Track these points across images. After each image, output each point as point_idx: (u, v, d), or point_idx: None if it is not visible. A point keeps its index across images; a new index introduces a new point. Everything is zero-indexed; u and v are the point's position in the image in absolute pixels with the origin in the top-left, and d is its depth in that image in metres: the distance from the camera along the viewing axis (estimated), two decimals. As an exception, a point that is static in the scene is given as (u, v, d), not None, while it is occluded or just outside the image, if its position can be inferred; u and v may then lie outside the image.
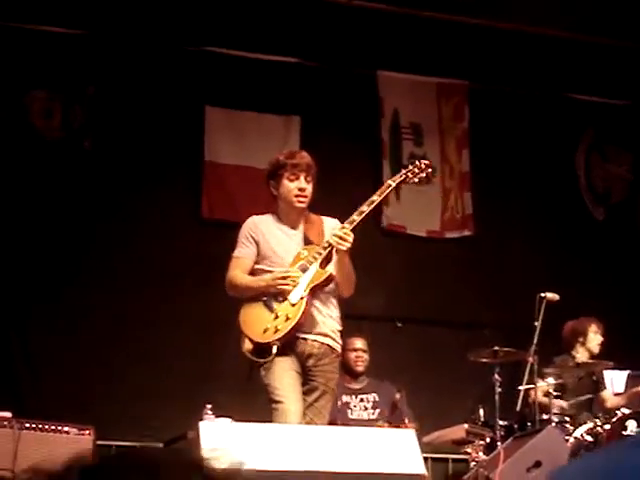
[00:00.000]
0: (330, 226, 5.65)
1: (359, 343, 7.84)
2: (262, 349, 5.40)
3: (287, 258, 5.54)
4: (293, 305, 5.40)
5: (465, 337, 8.73)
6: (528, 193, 9.87)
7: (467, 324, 9.12)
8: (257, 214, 5.81)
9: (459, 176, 9.80)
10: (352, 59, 9.50)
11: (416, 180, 5.81)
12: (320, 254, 5.46)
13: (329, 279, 5.48)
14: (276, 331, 5.39)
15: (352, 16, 9.35)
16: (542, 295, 7.38)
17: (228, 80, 9.12)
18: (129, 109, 8.87)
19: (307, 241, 5.60)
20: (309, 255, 5.49)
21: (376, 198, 5.59)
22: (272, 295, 5.46)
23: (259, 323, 5.45)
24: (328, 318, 5.57)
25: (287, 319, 5.40)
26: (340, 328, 5.64)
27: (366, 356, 7.85)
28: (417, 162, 5.83)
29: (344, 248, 5.38)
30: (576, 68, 10.02)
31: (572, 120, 10.17)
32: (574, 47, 9.93)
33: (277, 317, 5.42)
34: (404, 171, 5.77)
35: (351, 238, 5.39)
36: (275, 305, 5.45)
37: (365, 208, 5.53)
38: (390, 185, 5.68)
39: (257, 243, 5.62)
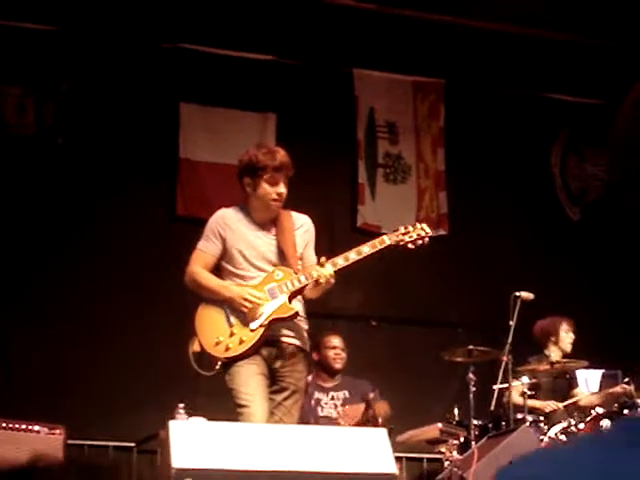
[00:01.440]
0: (300, 225, 5.60)
1: (337, 341, 7.81)
2: (207, 359, 5.37)
3: (255, 262, 5.48)
4: (251, 331, 5.36)
5: (439, 336, 8.71)
6: (503, 192, 9.87)
7: (441, 323, 9.10)
8: (227, 207, 5.74)
9: (434, 175, 9.79)
10: (328, 57, 9.48)
11: (410, 246, 5.59)
12: (294, 285, 5.39)
13: (292, 317, 5.43)
14: (227, 349, 5.37)
15: (328, 14, 9.33)
16: (517, 294, 7.36)
17: (203, 77, 9.09)
18: (103, 106, 8.82)
19: (280, 249, 5.51)
20: (282, 281, 5.41)
21: (366, 250, 5.45)
22: (234, 308, 5.41)
23: (213, 332, 5.41)
24: (302, 321, 5.53)
25: (241, 342, 5.36)
26: (307, 327, 5.60)
27: (344, 354, 7.82)
28: (417, 226, 5.64)
29: (328, 286, 5.37)
30: (552, 67, 10.04)
31: (548, 119, 10.19)
32: (550, 46, 9.94)
33: (232, 335, 5.38)
34: (402, 231, 5.58)
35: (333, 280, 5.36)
36: (234, 321, 5.40)
37: (353, 256, 5.42)
38: (384, 242, 5.50)
39: (224, 240, 5.53)
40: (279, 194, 5.49)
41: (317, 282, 5.36)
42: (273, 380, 5.45)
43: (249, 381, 5.33)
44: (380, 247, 5.47)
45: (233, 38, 9.14)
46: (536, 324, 8.14)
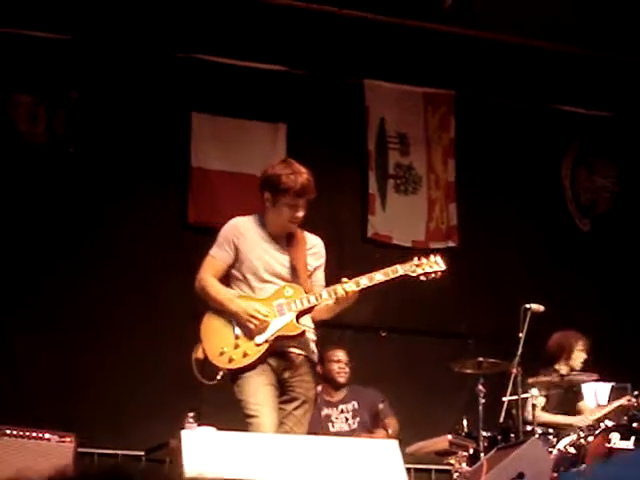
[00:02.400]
0: (311, 246, 5.60)
1: (341, 354, 7.80)
2: (210, 368, 5.38)
3: (264, 275, 5.48)
4: (257, 345, 5.37)
5: (449, 348, 8.71)
6: (513, 204, 9.87)
7: (451, 334, 9.10)
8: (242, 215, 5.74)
9: (445, 186, 9.79)
10: (339, 68, 9.51)
11: (422, 278, 5.62)
12: (302, 304, 5.40)
13: (299, 336, 5.44)
14: (230, 361, 5.38)
15: (339, 25, 9.36)
16: (527, 306, 7.36)
17: (215, 87, 9.11)
18: (115, 114, 8.84)
19: (292, 265, 5.51)
20: (292, 298, 5.42)
21: (378, 277, 5.48)
22: (244, 322, 5.42)
23: (219, 342, 5.42)
24: (310, 333, 5.54)
25: (245, 355, 5.37)
26: (315, 339, 5.61)
27: (348, 368, 7.80)
28: (432, 258, 5.65)
29: (344, 304, 5.42)
30: (562, 79, 10.05)
31: (558, 131, 10.20)
32: (561, 59, 9.96)
33: (237, 347, 5.39)
34: (416, 262, 5.58)
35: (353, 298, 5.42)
36: (240, 333, 5.41)
37: (364, 281, 5.44)
38: (397, 271, 5.51)
39: (237, 249, 5.53)
40: (297, 218, 5.50)
41: (336, 300, 5.37)
42: (283, 390, 5.46)
43: (258, 392, 5.34)
44: (393, 276, 5.50)
45: (245, 49, 9.17)
46: (552, 337, 8.11)
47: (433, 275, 5.58)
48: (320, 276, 5.60)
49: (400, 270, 5.50)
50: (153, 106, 8.92)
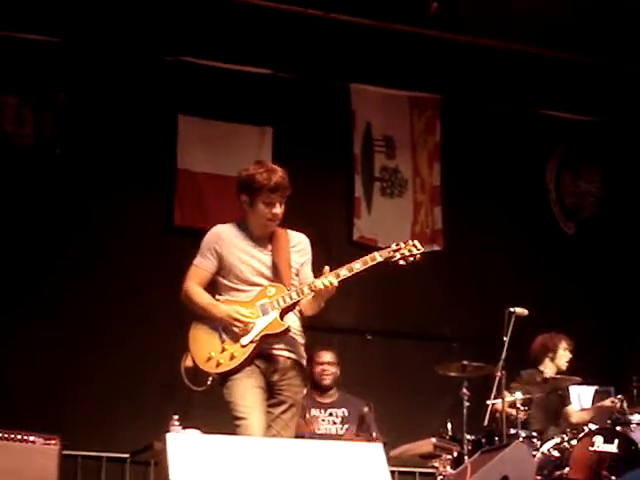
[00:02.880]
0: (295, 243, 5.62)
1: (326, 356, 7.81)
2: (200, 375, 5.41)
3: (250, 277, 5.50)
4: (243, 347, 5.40)
5: (434, 351, 8.75)
6: (498, 208, 9.92)
7: (436, 338, 9.14)
8: (225, 222, 5.77)
9: (430, 190, 9.84)
10: (325, 71, 9.54)
11: (401, 262, 5.51)
12: (285, 301, 5.41)
13: (283, 333, 5.46)
14: (218, 365, 5.40)
15: (326, 29, 9.39)
16: (511, 310, 7.39)
17: (202, 90, 9.13)
18: (102, 116, 8.85)
19: (274, 265, 5.55)
20: (274, 297, 5.43)
21: (358, 267, 5.41)
22: (228, 326, 5.45)
23: (206, 347, 5.45)
24: (298, 335, 5.56)
25: (232, 358, 5.40)
26: (303, 342, 5.63)
27: (333, 369, 7.80)
28: (409, 242, 5.54)
29: (324, 297, 5.40)
30: (547, 84, 10.10)
31: (543, 136, 10.25)
32: (545, 63, 10.01)
33: (224, 350, 5.42)
34: (394, 248, 5.50)
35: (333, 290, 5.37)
36: (226, 337, 5.45)
37: (343, 272, 5.39)
38: (375, 259, 5.44)
39: (219, 257, 5.56)
40: (274, 214, 5.51)
41: (316, 293, 5.39)
42: (271, 393, 5.48)
43: (247, 394, 5.36)
44: (372, 263, 5.44)
45: (232, 52, 9.19)
46: (536, 339, 8.17)
47: (412, 259, 5.55)
48: (308, 272, 5.61)
49: (378, 257, 5.46)
50: (140, 108, 8.92)
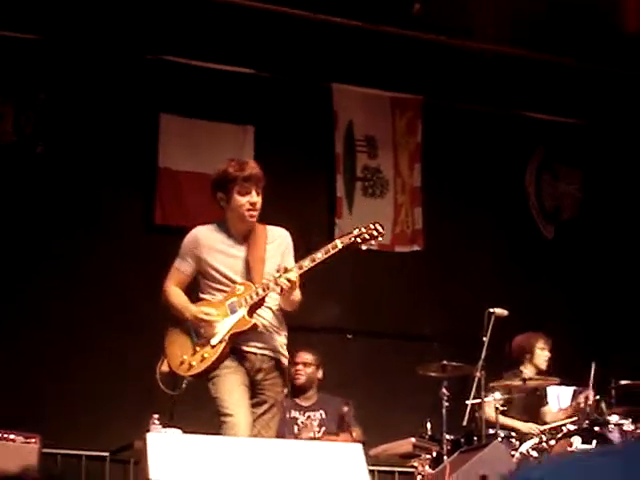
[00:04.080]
0: (272, 240, 5.62)
1: (305, 356, 7.79)
2: (174, 378, 5.45)
3: (232, 276, 5.53)
4: (212, 347, 5.43)
5: (414, 350, 8.77)
6: (478, 209, 9.95)
7: (416, 337, 9.17)
8: (204, 223, 5.77)
9: (410, 191, 9.86)
10: (307, 71, 9.55)
11: (363, 247, 5.55)
12: (252, 298, 5.44)
13: (251, 329, 5.47)
14: (190, 368, 5.47)
15: (307, 29, 9.40)
16: (491, 310, 7.43)
17: (183, 88, 9.12)
18: (83, 115, 8.83)
19: (247, 262, 5.55)
20: (243, 295, 5.47)
21: (320, 256, 5.41)
22: (197, 327, 5.48)
23: (179, 351, 5.52)
24: (276, 333, 5.58)
25: (202, 360, 5.45)
26: (284, 340, 5.65)
27: (309, 370, 7.76)
28: (371, 226, 5.53)
29: (290, 293, 5.40)
30: (528, 86, 10.14)
31: (523, 138, 10.29)
32: (527, 65, 10.05)
33: (195, 353, 5.48)
34: (355, 234, 5.49)
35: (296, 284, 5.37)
36: (197, 339, 5.50)
37: (306, 263, 5.40)
38: (336, 246, 5.43)
39: (198, 259, 5.60)
40: (252, 203, 5.53)
41: (281, 290, 5.40)
42: (253, 393, 5.51)
43: (233, 391, 5.39)
44: (333, 251, 5.43)
45: (213, 51, 9.19)
46: (514, 339, 8.20)
47: (373, 242, 5.55)
48: (290, 262, 5.58)
49: (339, 244, 5.45)
50: (121, 107, 8.91)
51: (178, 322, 5.59)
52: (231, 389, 5.39)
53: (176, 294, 5.62)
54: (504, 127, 10.16)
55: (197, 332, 5.50)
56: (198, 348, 5.47)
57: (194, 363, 5.45)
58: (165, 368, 5.54)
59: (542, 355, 8.14)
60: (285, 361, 5.64)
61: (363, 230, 5.50)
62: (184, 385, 5.49)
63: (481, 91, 9.96)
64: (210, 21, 9.14)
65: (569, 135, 10.46)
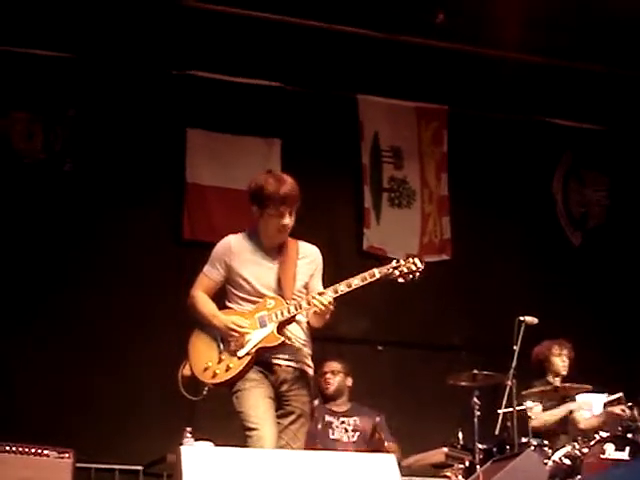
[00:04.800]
0: (304, 256, 5.64)
1: (328, 366, 7.80)
2: (196, 384, 5.45)
3: (261, 289, 5.51)
4: (239, 358, 5.43)
5: (444, 360, 8.77)
6: (506, 217, 9.93)
7: (446, 347, 9.16)
8: (235, 232, 5.80)
9: (438, 200, 9.87)
10: (332, 83, 9.58)
11: (400, 280, 5.48)
12: (283, 315, 5.42)
13: (279, 346, 5.47)
14: (214, 376, 5.42)
15: (333, 41, 9.42)
16: (521, 319, 7.41)
17: (210, 103, 9.17)
18: (110, 131, 8.90)
19: (279, 278, 5.56)
20: (273, 309, 5.44)
21: (357, 282, 5.39)
22: (225, 336, 5.48)
23: (204, 357, 5.47)
24: (301, 343, 5.58)
25: (227, 369, 5.41)
26: (310, 352, 5.65)
27: (337, 378, 7.79)
28: (411, 260, 5.49)
29: (323, 315, 5.40)
30: (554, 93, 10.12)
31: (550, 145, 10.28)
32: (552, 72, 10.03)
33: (220, 361, 5.44)
34: (394, 265, 5.46)
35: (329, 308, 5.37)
36: (223, 348, 5.47)
37: (343, 288, 5.38)
38: (374, 275, 5.41)
39: (228, 268, 5.58)
40: (283, 226, 5.53)
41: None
42: (279, 404, 5.48)
43: (258, 404, 5.37)
44: (370, 280, 5.42)
45: (239, 65, 9.24)
46: (532, 351, 8.16)
47: (411, 276, 5.55)
48: (317, 284, 5.61)
49: (377, 274, 5.44)
50: (148, 123, 8.98)
51: (204, 327, 5.58)
52: (255, 403, 5.37)
53: (204, 301, 5.59)
54: (530, 135, 10.14)
55: (224, 341, 5.49)
56: (224, 357, 5.44)
57: (218, 372, 5.41)
58: (187, 372, 5.50)
59: (559, 360, 8.08)
60: (310, 371, 5.63)
61: (402, 262, 5.50)
62: (204, 392, 5.47)
63: (506, 99, 9.95)
64: (235, 35, 9.19)
65: (596, 141, 10.43)
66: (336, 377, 7.79)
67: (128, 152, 8.91)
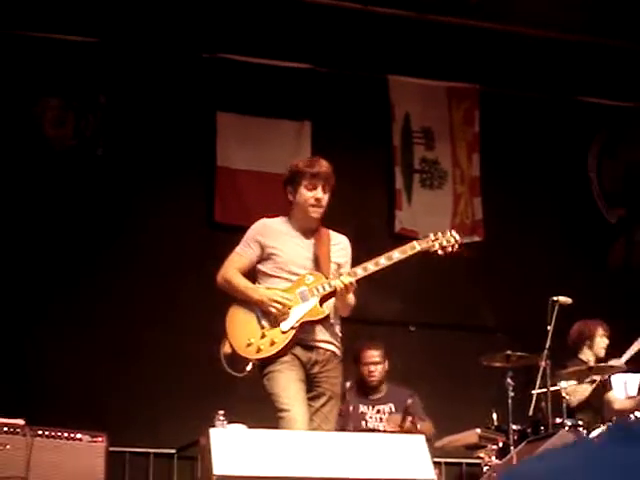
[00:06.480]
0: (337, 242, 5.66)
1: (372, 356, 7.73)
2: (238, 360, 5.42)
3: (292, 267, 5.53)
4: (283, 332, 5.41)
5: (477, 341, 8.73)
6: (539, 197, 9.87)
7: (479, 328, 9.12)
8: (269, 217, 5.81)
9: (469, 181, 9.81)
10: (363, 64, 9.53)
11: (440, 252, 5.56)
12: (324, 289, 5.44)
13: (323, 320, 5.47)
14: (258, 351, 5.41)
15: (363, 21, 9.38)
16: (554, 299, 7.35)
17: (240, 86, 9.16)
18: (141, 116, 8.92)
19: (315, 256, 5.57)
20: (313, 284, 5.46)
21: (397, 255, 5.46)
22: (264, 310, 5.46)
23: (245, 333, 5.46)
24: (329, 325, 5.57)
25: (272, 344, 5.41)
26: (340, 334, 5.65)
27: (380, 367, 7.74)
28: (448, 234, 5.59)
29: (346, 296, 5.42)
30: (587, 71, 10.02)
31: (583, 123, 10.17)
32: (585, 50, 9.93)
33: (264, 336, 5.42)
34: (433, 238, 5.55)
35: (353, 288, 5.40)
36: (265, 323, 5.45)
37: (384, 261, 5.45)
38: (414, 247, 5.49)
39: (262, 248, 5.59)
40: (317, 199, 5.56)
41: (334, 292, 5.41)
42: (310, 386, 5.49)
43: (289, 386, 5.38)
44: (411, 253, 5.49)
45: (269, 47, 9.22)
46: (573, 326, 8.11)
47: (450, 249, 5.56)
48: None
49: (417, 246, 5.51)
50: (179, 106, 8.99)
51: (239, 304, 5.57)
52: (286, 384, 5.37)
53: (239, 276, 5.58)
54: (563, 113, 10.05)
55: (265, 315, 5.46)
56: (266, 332, 5.41)
57: (263, 347, 5.39)
58: (228, 350, 5.48)
59: (602, 342, 8.05)
60: (339, 352, 5.63)
61: (440, 235, 5.54)
62: (248, 368, 5.45)
63: (538, 77, 9.88)
64: (265, 17, 9.17)
65: (630, 118, 10.32)
66: (378, 367, 7.74)
67: (159, 136, 8.93)
